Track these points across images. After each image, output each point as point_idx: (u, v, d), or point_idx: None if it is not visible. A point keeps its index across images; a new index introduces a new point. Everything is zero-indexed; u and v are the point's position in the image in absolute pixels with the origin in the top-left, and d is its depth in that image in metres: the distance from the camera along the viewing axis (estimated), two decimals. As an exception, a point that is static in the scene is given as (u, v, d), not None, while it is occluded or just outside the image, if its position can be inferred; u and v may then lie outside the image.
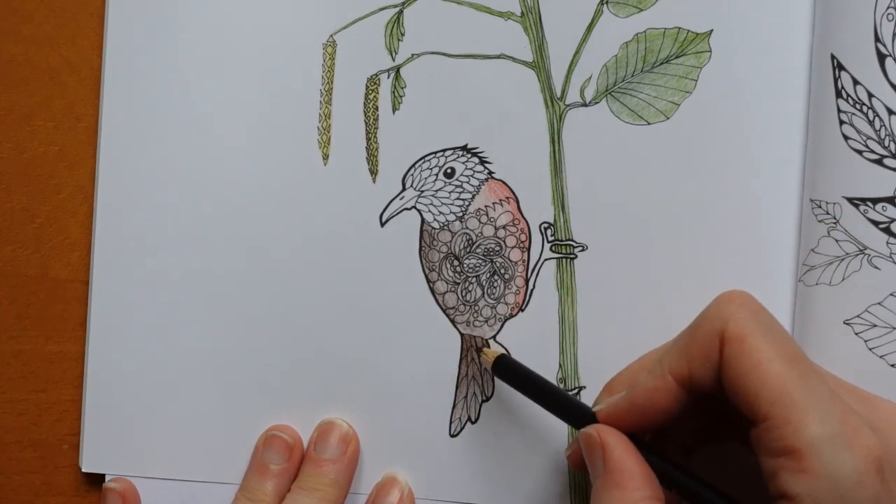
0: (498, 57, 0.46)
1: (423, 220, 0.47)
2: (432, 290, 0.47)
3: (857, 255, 0.43)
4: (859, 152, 0.43)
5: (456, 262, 0.46)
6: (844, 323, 0.43)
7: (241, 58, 0.47)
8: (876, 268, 0.43)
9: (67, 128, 0.48)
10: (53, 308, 0.49)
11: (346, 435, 0.45)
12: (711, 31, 0.45)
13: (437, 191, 0.47)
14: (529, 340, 0.46)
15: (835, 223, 0.43)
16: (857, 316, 0.43)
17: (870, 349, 0.43)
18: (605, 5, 0.46)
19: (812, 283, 0.44)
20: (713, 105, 0.45)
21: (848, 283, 0.43)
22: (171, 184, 0.47)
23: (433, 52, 0.46)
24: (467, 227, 0.47)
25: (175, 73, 0.47)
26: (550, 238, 0.46)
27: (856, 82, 0.42)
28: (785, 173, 0.45)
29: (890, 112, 0.42)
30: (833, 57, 0.43)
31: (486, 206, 0.46)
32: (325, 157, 0.47)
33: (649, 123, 0.46)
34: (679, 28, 0.45)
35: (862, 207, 0.43)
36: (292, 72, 0.47)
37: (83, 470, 0.48)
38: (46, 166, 0.48)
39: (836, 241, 0.43)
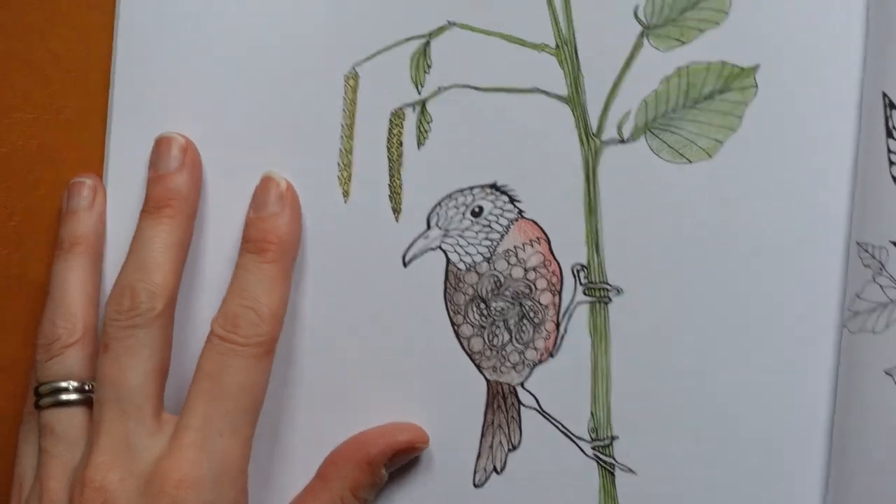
0: (530, 91, 0.46)
1: (448, 261, 0.47)
2: (457, 334, 0.47)
3: (902, 301, 0.43)
4: (908, 194, 0.42)
5: (483, 305, 0.46)
6: (885, 373, 0.43)
7: (258, 90, 0.47)
8: (920, 316, 0.42)
9: (47, 121, 0.48)
10: (36, 312, 0.48)
11: (182, 145, 0.45)
12: (757, 65, 0.45)
13: (463, 230, 0.46)
14: (560, 388, 0.46)
15: (881, 268, 0.43)
16: (899, 366, 0.43)
17: (910, 401, 0.42)
18: (645, 37, 0.45)
19: (856, 329, 0.44)
20: (758, 143, 0.45)
21: (891, 330, 0.42)
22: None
23: (461, 86, 0.46)
24: (495, 269, 0.46)
25: (188, 107, 0.47)
26: (583, 281, 0.46)
27: (907, 122, 0.42)
28: (832, 214, 0.45)
29: (941, 154, 0.41)
30: (884, 95, 0.43)
31: (515, 247, 0.46)
32: (346, 193, 0.47)
33: (691, 162, 0.45)
34: (723, 62, 0.45)
35: (909, 251, 0.42)
36: (312, 104, 0.47)
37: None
38: (25, 161, 0.48)
39: (882, 287, 0.43)
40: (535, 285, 0.46)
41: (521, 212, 0.46)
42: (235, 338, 0.43)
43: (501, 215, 0.46)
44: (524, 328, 0.46)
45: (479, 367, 0.47)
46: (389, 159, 0.47)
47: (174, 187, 0.45)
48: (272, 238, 0.44)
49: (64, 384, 0.44)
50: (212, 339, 0.43)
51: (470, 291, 0.46)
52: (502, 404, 0.46)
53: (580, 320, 0.46)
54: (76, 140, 0.48)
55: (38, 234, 0.48)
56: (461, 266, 0.46)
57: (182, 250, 0.45)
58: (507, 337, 0.46)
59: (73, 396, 0.44)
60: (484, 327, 0.46)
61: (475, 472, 0.47)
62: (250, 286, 0.43)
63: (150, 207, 0.45)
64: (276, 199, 0.45)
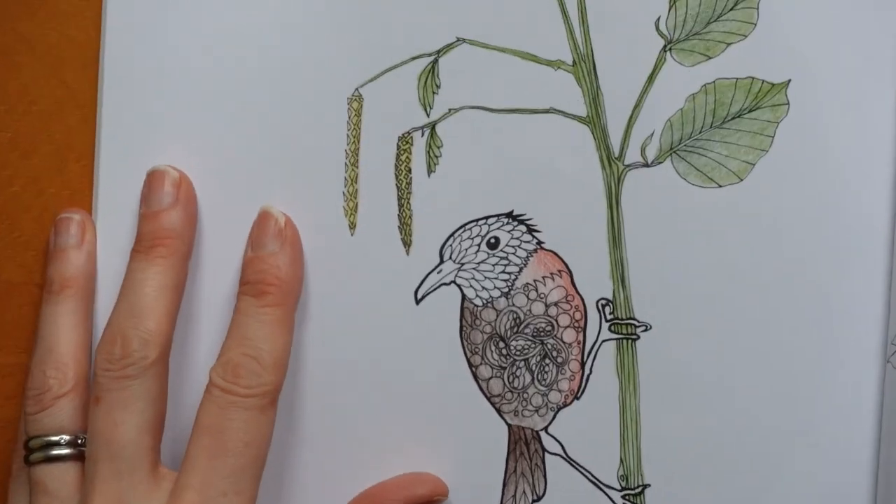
0: (547, 111, 0.45)
1: (463, 297, 0.45)
2: (475, 376, 0.45)
3: (955, 339, 0.41)
4: (964, 226, 0.41)
5: (502, 344, 0.45)
6: (933, 410, 0.41)
7: (256, 115, 0.45)
8: (971, 353, 0.41)
9: (20, 112, 0.46)
10: (6, 314, 0.46)
11: (176, 180, 0.44)
12: (789, 81, 0.44)
13: (479, 263, 0.45)
14: (586, 432, 0.45)
15: (927, 298, 0.41)
16: (944, 402, 0.41)
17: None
18: (668, 52, 0.44)
19: (901, 364, 0.42)
20: (792, 165, 0.44)
21: (939, 366, 0.42)
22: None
23: (473, 107, 0.45)
24: (514, 305, 0.45)
25: (180, 135, 0.45)
26: (609, 316, 0.45)
27: (956, 141, 0.41)
28: (872, 240, 0.44)
29: None
30: (926, 110, 0.42)
31: (535, 281, 0.45)
32: (352, 225, 0.45)
33: (720, 186, 0.44)
34: (753, 78, 0.44)
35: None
36: (313, 130, 0.45)
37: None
38: (-3, 155, 0.46)
39: (930, 318, 0.41)
40: (557, 322, 0.45)
41: (540, 242, 0.45)
42: (236, 388, 0.41)
43: (519, 246, 0.45)
44: (547, 369, 0.45)
45: (499, 410, 0.45)
46: (398, 188, 0.45)
47: (168, 225, 0.43)
48: (272, 279, 0.42)
49: (55, 438, 0.42)
50: (211, 390, 0.41)
51: (487, 329, 0.45)
52: (525, 451, 0.45)
53: (607, 359, 0.45)
54: (51, 133, 0.46)
55: (12, 233, 0.46)
56: (478, 302, 0.45)
57: (177, 293, 0.43)
58: (528, 378, 0.45)
59: (65, 451, 0.42)
60: (503, 368, 0.45)
61: (497, 525, 0.45)
62: (250, 332, 0.41)
63: (142, 247, 0.43)
64: (275, 237, 0.43)
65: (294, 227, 0.44)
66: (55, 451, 0.42)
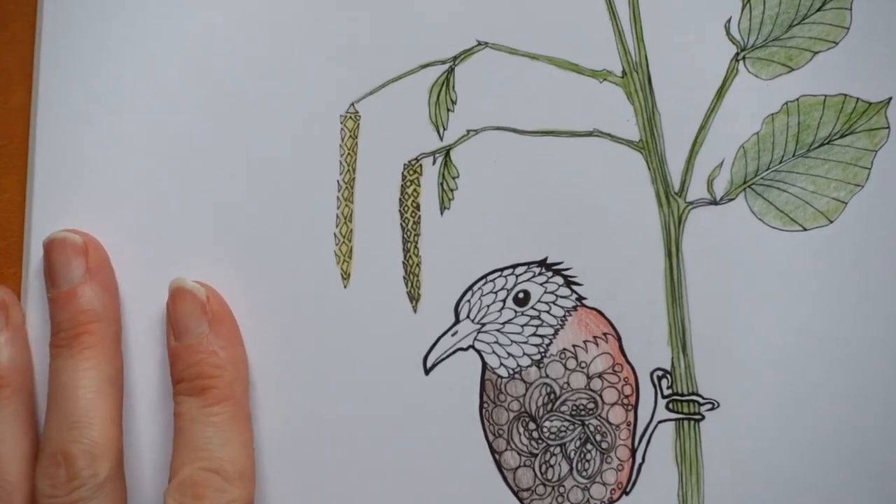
0: (590, 134, 0.42)
1: (485, 366, 0.42)
2: (499, 465, 0.42)
3: None
4: None
5: (532, 426, 0.42)
6: None
7: (223, 137, 0.42)
8: None
9: None
10: None
11: (79, 246, 0.41)
12: (889, 99, 0.41)
13: (504, 324, 0.42)
14: None
15: None
16: None
17: None
18: (741, 62, 0.42)
19: None
20: (893, 203, 0.41)
21: None
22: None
23: (497, 128, 0.42)
24: (548, 376, 0.42)
25: (150, 162, 0.42)
26: (666, 391, 0.42)
27: None
28: None
29: None
30: None
31: (574, 346, 0.42)
32: (346, 275, 0.43)
33: (805, 229, 0.42)
34: (845, 95, 0.41)
35: None
36: (296, 156, 0.43)
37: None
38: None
39: None
40: (601, 398, 0.42)
41: (580, 298, 0.42)
42: None
43: (554, 303, 0.42)
44: (588, 456, 0.42)
45: (528, 509, 0.42)
46: (403, 228, 0.43)
47: (86, 306, 0.40)
48: (210, 371, 0.39)
49: None
50: None
51: (515, 406, 0.42)
52: (561, 559, 0.41)
53: (663, 444, 0.42)
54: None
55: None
56: (502, 372, 0.42)
57: (116, 387, 0.40)
58: (565, 468, 0.42)
59: None
60: (534, 455, 0.42)
61: None
62: (203, 441, 0.39)
63: (62, 339, 0.40)
64: (199, 317, 0.40)
65: (219, 297, 0.41)
66: None
